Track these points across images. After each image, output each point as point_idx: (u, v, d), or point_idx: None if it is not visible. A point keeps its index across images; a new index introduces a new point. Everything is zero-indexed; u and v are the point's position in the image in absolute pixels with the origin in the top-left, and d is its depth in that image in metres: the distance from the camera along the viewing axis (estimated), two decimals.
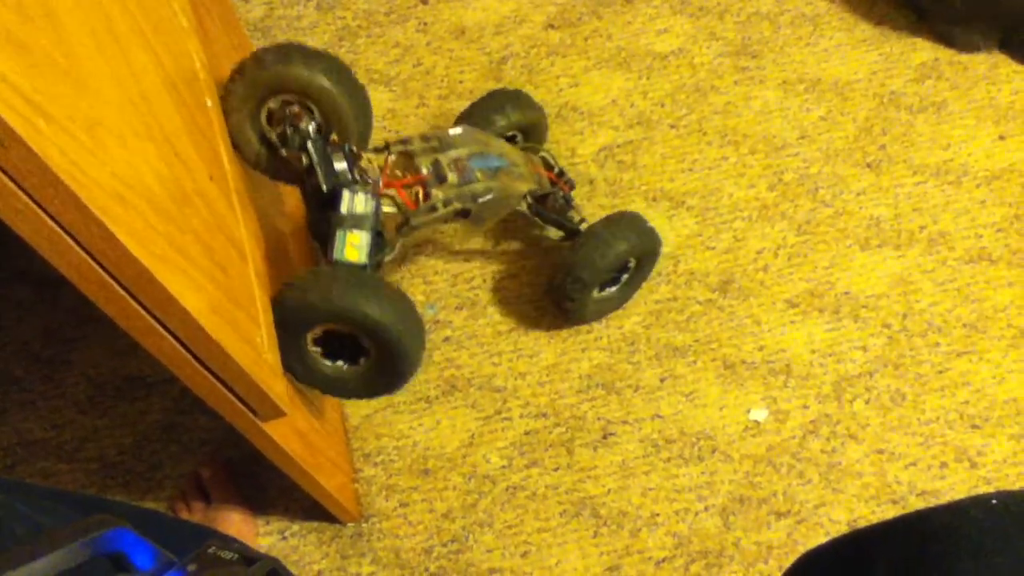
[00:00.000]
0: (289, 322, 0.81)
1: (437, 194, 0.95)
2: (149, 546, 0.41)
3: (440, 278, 1.19)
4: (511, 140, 1.16)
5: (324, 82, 0.88)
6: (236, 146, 0.89)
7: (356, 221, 0.86)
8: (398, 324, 0.81)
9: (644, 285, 1.17)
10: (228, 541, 0.46)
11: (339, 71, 0.90)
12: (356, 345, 0.84)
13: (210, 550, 0.44)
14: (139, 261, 0.54)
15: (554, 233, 1.14)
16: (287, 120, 0.89)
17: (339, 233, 0.85)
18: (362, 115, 0.93)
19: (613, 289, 1.12)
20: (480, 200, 0.98)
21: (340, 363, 0.86)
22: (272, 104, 0.89)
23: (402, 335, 0.82)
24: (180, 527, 0.95)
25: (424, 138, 0.99)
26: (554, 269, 1.08)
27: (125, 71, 0.62)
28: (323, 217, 0.87)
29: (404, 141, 0.98)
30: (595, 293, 1.10)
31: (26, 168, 0.45)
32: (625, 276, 1.12)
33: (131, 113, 0.60)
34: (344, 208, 0.86)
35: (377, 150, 0.96)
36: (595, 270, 1.05)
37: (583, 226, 1.09)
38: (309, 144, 0.88)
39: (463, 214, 0.98)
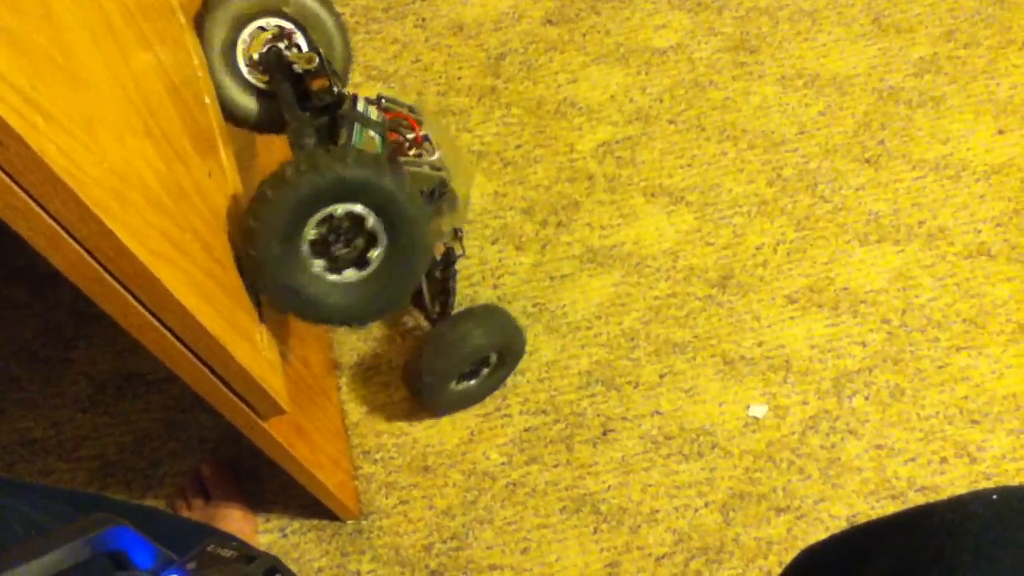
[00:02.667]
0: (292, 209, 0.70)
1: (425, 156, 0.92)
2: (149, 544, 0.41)
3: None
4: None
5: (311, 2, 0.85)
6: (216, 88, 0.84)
7: (370, 124, 0.82)
8: (413, 207, 0.75)
9: (643, 282, 1.17)
10: (227, 539, 0.46)
11: None
12: (359, 242, 0.76)
13: (209, 548, 0.44)
14: (137, 258, 0.54)
15: (417, 315, 1.12)
16: (276, 40, 0.85)
17: (356, 126, 0.80)
18: (345, 45, 0.89)
19: (472, 382, 1.08)
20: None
21: (349, 272, 0.77)
22: (247, 32, 0.84)
23: (417, 218, 0.75)
24: (180, 525, 0.95)
25: (411, 108, 0.96)
26: (412, 354, 1.02)
27: (123, 69, 0.61)
28: (330, 117, 0.81)
29: (394, 100, 0.94)
30: (453, 384, 1.05)
31: (24, 166, 0.45)
32: (486, 370, 1.08)
33: (129, 110, 0.60)
34: (360, 107, 0.82)
35: (369, 100, 0.89)
36: (452, 363, 1.00)
37: (453, 311, 1.06)
38: (320, 53, 0.82)
39: (441, 188, 0.92)
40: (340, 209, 0.73)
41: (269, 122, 0.88)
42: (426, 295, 1.06)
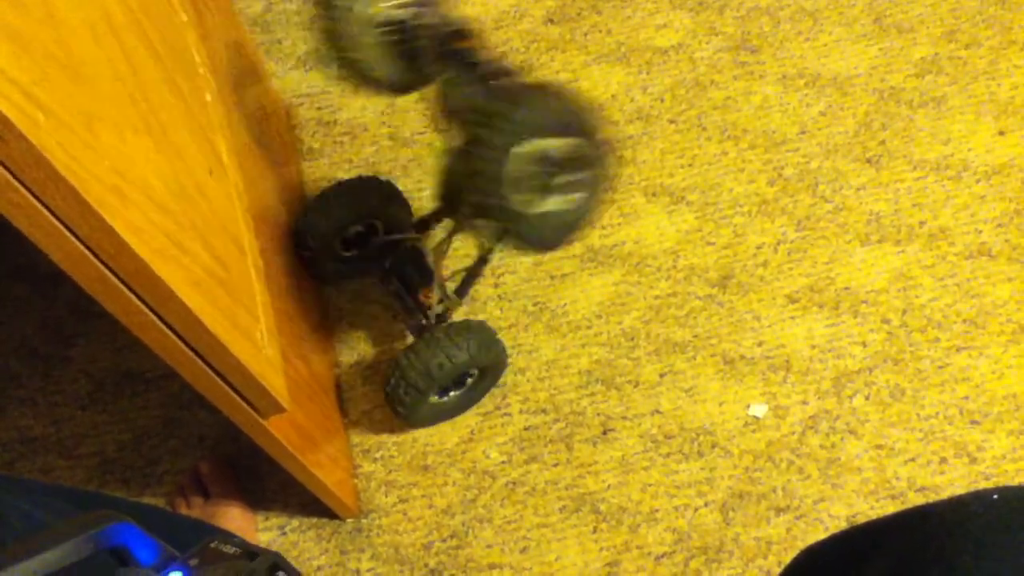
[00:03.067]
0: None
1: None
2: (152, 541, 0.41)
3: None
4: (370, 230, 1.11)
5: None
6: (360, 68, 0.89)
7: None
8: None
9: (643, 281, 1.17)
10: (229, 536, 0.46)
11: None
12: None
13: (212, 544, 0.44)
14: (138, 255, 0.54)
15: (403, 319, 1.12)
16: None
17: None
18: None
19: (453, 394, 1.07)
20: None
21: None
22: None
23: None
24: (179, 523, 0.95)
25: None
26: (391, 368, 1.01)
27: (124, 66, 0.61)
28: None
29: None
30: (433, 398, 1.05)
31: (24, 162, 0.45)
32: (469, 380, 1.07)
33: (130, 107, 0.60)
34: None
35: None
36: (431, 378, 0.98)
37: (435, 325, 1.05)
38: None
39: None
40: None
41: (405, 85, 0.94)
42: (435, 290, 1.07)
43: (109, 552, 0.40)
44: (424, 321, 1.06)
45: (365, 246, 1.11)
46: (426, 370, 0.98)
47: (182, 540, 0.45)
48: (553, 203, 0.85)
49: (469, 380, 1.07)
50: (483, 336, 1.02)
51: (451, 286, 1.12)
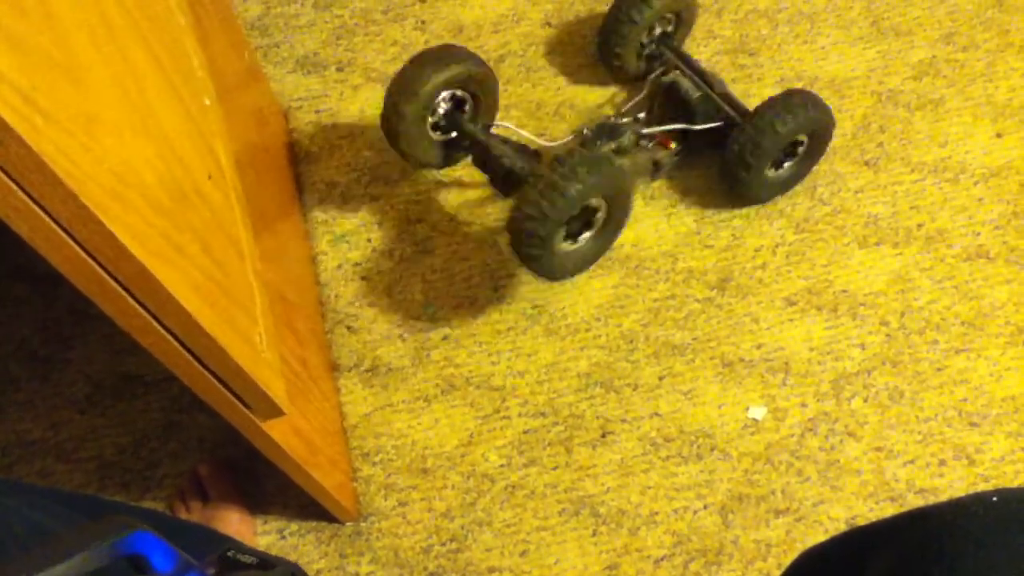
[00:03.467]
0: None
1: None
2: (169, 548, 0.41)
3: (438, 276, 1.19)
4: (458, 104, 1.13)
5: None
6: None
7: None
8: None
9: (642, 284, 1.17)
10: (244, 546, 0.46)
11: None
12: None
13: (229, 553, 0.44)
14: (136, 258, 0.53)
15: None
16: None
17: None
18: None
19: (584, 237, 1.05)
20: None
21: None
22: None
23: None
24: (178, 526, 0.95)
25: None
26: (514, 205, 0.98)
27: (122, 68, 0.61)
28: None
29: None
30: (562, 243, 1.03)
31: (23, 165, 0.45)
32: (598, 218, 1.05)
33: (128, 110, 0.60)
34: None
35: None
36: (564, 198, 0.95)
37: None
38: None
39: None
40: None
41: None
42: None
43: (127, 560, 0.40)
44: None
45: (458, 120, 1.13)
46: (539, 211, 0.94)
47: (182, 544, 0.45)
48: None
49: (598, 218, 1.04)
50: (595, 163, 0.98)
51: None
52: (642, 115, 1.21)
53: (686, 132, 1.18)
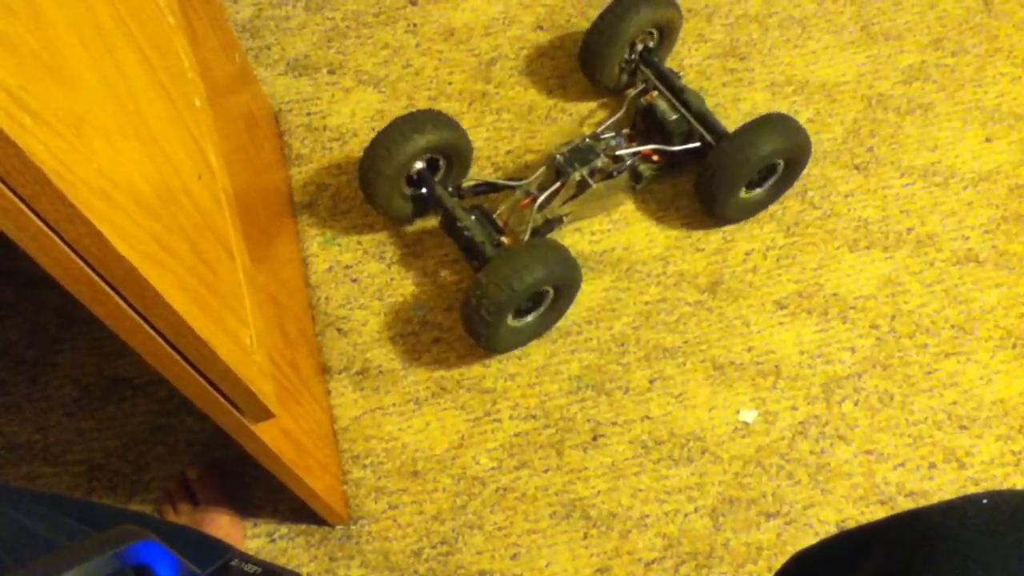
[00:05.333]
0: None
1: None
2: (173, 558, 0.41)
3: (429, 280, 1.19)
4: (432, 164, 1.16)
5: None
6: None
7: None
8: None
9: (633, 287, 1.17)
10: (246, 556, 0.46)
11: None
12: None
13: (232, 563, 0.44)
14: (126, 259, 0.53)
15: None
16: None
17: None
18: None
19: (531, 318, 1.10)
20: None
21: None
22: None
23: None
24: (167, 529, 0.94)
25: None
26: (470, 289, 1.04)
27: (112, 69, 0.61)
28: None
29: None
30: (511, 321, 1.08)
31: (11, 165, 0.45)
32: (545, 302, 1.09)
33: (118, 111, 0.60)
34: None
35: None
36: (512, 292, 1.01)
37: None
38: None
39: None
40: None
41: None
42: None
43: (132, 570, 0.40)
44: (498, 250, 1.09)
45: (430, 182, 1.15)
46: (507, 284, 1.01)
47: (171, 547, 0.45)
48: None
49: (545, 301, 1.09)
50: (559, 252, 1.06)
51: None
52: (626, 131, 1.21)
53: (669, 151, 1.19)
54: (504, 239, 1.12)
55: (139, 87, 0.66)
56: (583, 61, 1.26)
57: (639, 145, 1.19)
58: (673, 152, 1.19)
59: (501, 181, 1.19)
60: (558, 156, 1.15)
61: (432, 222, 1.22)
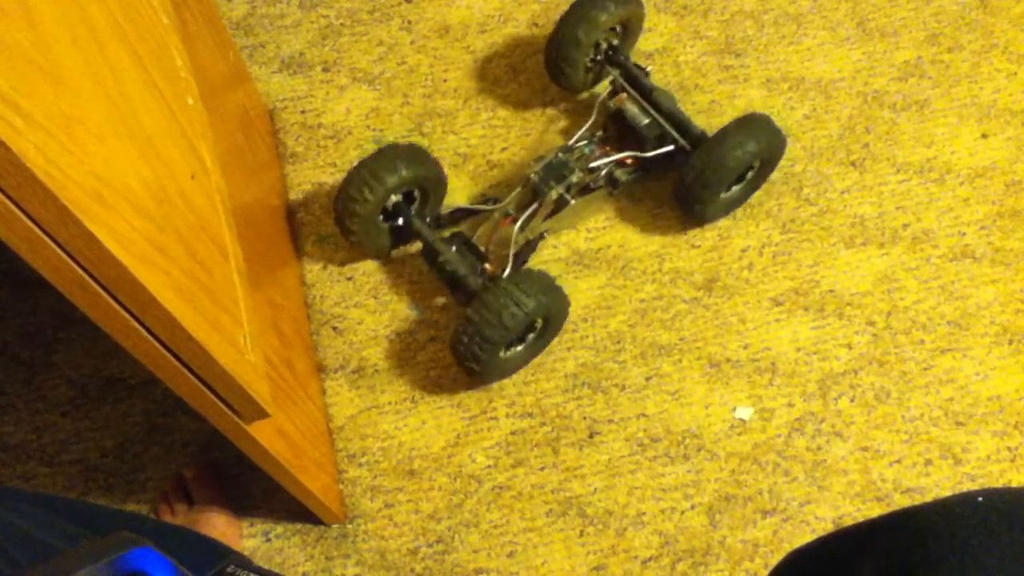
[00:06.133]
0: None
1: None
2: (171, 565, 0.41)
3: (424, 277, 1.19)
4: (407, 196, 1.14)
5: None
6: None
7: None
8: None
9: (629, 284, 1.17)
10: (246, 561, 0.46)
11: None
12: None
13: (229, 569, 0.44)
14: (119, 261, 0.53)
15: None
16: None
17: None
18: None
19: (518, 349, 1.09)
20: None
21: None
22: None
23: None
24: (163, 529, 0.94)
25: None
26: (460, 326, 1.04)
27: (104, 69, 0.61)
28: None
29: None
30: (501, 352, 1.07)
31: (2, 167, 0.45)
32: (532, 333, 1.09)
33: (110, 111, 0.60)
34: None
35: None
36: (504, 328, 1.01)
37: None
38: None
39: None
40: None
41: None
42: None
43: None
44: (482, 280, 1.09)
45: (407, 214, 1.14)
46: (499, 320, 1.00)
47: (167, 548, 0.45)
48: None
49: (532, 332, 1.09)
50: (546, 282, 1.05)
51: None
52: (599, 135, 1.20)
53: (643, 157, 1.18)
54: (488, 266, 1.11)
55: (132, 87, 0.65)
56: (549, 71, 1.24)
57: (613, 150, 1.18)
58: (647, 159, 1.17)
59: (477, 206, 1.18)
60: (532, 175, 1.13)
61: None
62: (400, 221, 1.14)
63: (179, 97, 0.79)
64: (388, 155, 1.10)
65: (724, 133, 1.10)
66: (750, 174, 1.16)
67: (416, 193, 1.14)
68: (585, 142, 1.19)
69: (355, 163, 1.11)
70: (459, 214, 1.18)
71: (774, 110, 1.28)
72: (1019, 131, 1.25)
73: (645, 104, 1.18)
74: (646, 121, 1.17)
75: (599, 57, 1.23)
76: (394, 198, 1.12)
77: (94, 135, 0.55)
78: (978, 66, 1.30)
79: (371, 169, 1.09)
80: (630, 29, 1.25)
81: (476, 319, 1.01)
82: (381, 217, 1.13)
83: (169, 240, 0.63)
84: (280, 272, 1.11)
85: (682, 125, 1.17)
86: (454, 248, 1.12)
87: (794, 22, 1.35)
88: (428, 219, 1.15)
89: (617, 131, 1.20)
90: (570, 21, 1.19)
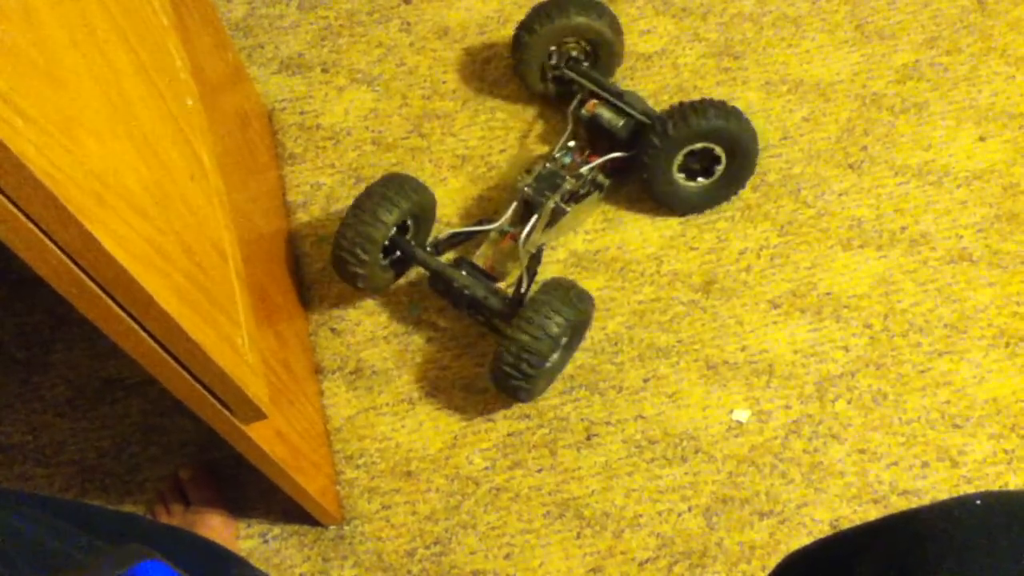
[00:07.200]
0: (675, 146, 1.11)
1: None
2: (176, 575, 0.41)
3: (423, 279, 1.19)
4: (402, 230, 1.12)
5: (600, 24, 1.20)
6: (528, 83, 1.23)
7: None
8: (752, 139, 1.14)
9: (627, 286, 1.17)
10: (251, 568, 0.45)
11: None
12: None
13: None
14: (117, 262, 0.53)
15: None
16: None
17: None
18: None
19: (554, 357, 1.07)
20: None
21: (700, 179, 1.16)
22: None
23: (753, 145, 1.15)
24: (160, 531, 0.94)
25: None
26: (503, 348, 1.02)
27: (104, 69, 0.61)
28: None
29: None
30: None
31: (1, 167, 0.45)
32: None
33: (110, 111, 0.60)
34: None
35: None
36: (551, 339, 1.00)
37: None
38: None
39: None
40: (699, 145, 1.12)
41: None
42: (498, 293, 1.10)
43: None
44: (505, 299, 1.08)
45: (406, 247, 1.12)
46: (544, 333, 1.00)
47: (164, 549, 0.45)
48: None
49: (564, 339, 1.07)
50: (574, 288, 1.04)
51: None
52: (573, 143, 1.20)
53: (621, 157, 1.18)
54: (500, 285, 1.11)
55: (131, 88, 0.65)
56: (515, 66, 1.26)
57: (593, 155, 1.18)
58: (627, 156, 1.17)
59: (474, 228, 1.16)
60: (526, 188, 1.12)
61: None
62: (397, 254, 1.13)
63: (178, 98, 0.79)
64: (384, 192, 1.08)
65: (674, 107, 1.12)
66: (719, 168, 1.15)
67: (409, 222, 1.13)
68: (563, 151, 1.18)
69: (345, 214, 1.09)
70: (457, 238, 1.16)
71: (772, 112, 1.28)
72: (1017, 134, 1.25)
73: (620, 104, 1.18)
74: (621, 122, 1.17)
75: (560, 65, 1.23)
76: (391, 231, 1.09)
77: (93, 136, 0.55)
78: (976, 69, 1.30)
79: (369, 208, 1.07)
80: (600, 54, 1.24)
81: (523, 338, 1.00)
82: (381, 255, 1.11)
83: (168, 241, 0.63)
84: (278, 273, 1.10)
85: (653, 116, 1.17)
86: (464, 272, 1.10)
87: (793, 24, 1.35)
88: (428, 247, 1.13)
89: (592, 137, 1.20)
90: (522, 26, 1.21)
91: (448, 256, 1.16)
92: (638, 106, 1.18)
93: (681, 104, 1.12)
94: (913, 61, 1.31)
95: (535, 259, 1.14)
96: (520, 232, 1.11)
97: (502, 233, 1.14)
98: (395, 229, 1.10)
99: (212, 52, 1.06)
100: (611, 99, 1.18)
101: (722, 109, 1.11)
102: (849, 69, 1.31)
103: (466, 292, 1.08)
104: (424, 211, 1.13)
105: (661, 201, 1.18)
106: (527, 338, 1.00)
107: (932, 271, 1.17)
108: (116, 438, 1.11)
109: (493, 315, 1.08)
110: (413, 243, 1.13)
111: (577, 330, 1.08)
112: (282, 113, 1.31)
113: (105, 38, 0.63)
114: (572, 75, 1.22)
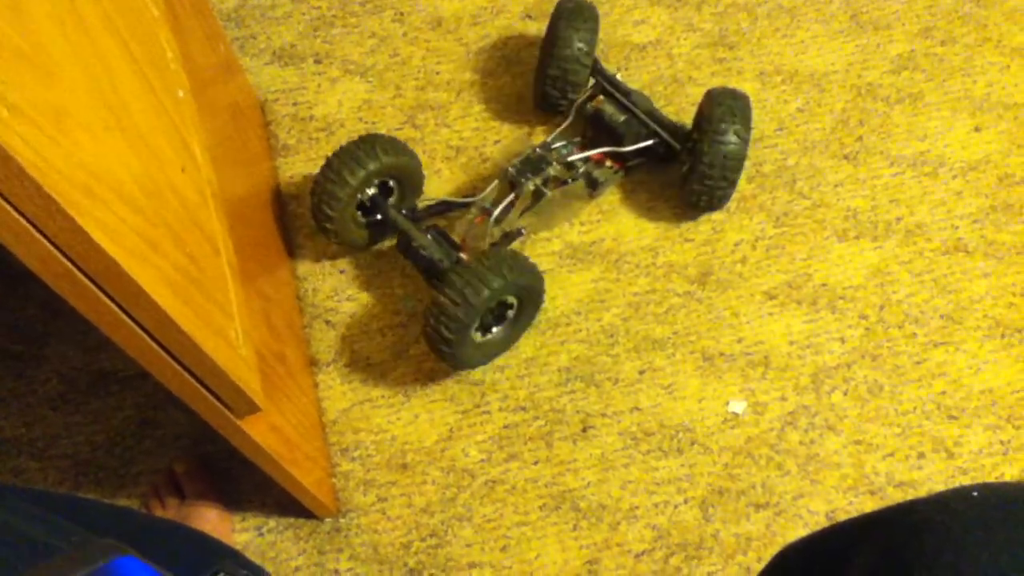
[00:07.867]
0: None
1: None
2: (154, 573, 0.40)
3: (417, 271, 1.18)
4: (384, 188, 1.14)
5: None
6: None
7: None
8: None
9: (622, 278, 1.17)
10: (241, 561, 0.45)
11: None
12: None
13: (219, 574, 0.43)
14: (108, 254, 0.52)
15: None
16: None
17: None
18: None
19: (496, 331, 1.09)
20: None
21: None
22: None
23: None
24: (155, 525, 0.93)
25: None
26: (428, 307, 1.02)
27: (94, 60, 0.60)
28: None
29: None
30: (476, 335, 1.06)
31: None
32: (510, 313, 1.08)
33: (100, 103, 0.59)
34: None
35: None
36: (470, 306, 0.99)
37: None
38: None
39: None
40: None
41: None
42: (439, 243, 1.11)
43: None
44: (456, 263, 1.08)
45: (383, 207, 1.13)
46: (463, 299, 0.99)
47: (158, 544, 0.45)
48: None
49: (510, 313, 1.08)
50: (516, 260, 1.03)
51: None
52: (577, 139, 1.21)
53: (621, 153, 1.18)
54: (463, 255, 1.10)
55: (122, 79, 0.65)
56: (538, 91, 1.25)
57: (583, 148, 1.18)
58: (625, 154, 1.18)
59: (455, 199, 1.18)
60: (510, 168, 1.13)
61: None
62: (378, 216, 1.14)
63: (169, 89, 0.78)
64: (368, 141, 1.11)
65: (714, 117, 1.10)
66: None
67: (393, 184, 1.14)
68: (563, 143, 1.19)
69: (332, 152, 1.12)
70: (437, 208, 1.18)
71: (767, 103, 1.27)
72: (1012, 124, 1.25)
73: (626, 103, 1.18)
74: (624, 118, 1.17)
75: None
76: (371, 191, 1.12)
77: (83, 127, 0.55)
78: (971, 59, 1.30)
79: (352, 154, 1.09)
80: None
81: (442, 299, 1.00)
82: (360, 212, 1.12)
83: (159, 233, 0.63)
84: (272, 265, 1.10)
85: (663, 122, 1.18)
86: (430, 236, 1.12)
87: (788, 15, 1.34)
88: (405, 211, 1.15)
89: (595, 133, 1.20)
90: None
91: (425, 224, 1.16)
92: (644, 105, 1.18)
93: (719, 114, 1.10)
94: (908, 51, 1.31)
95: (505, 239, 1.14)
96: (495, 210, 1.12)
97: (481, 210, 1.14)
98: (377, 189, 1.12)
99: (204, 43, 1.05)
100: (620, 98, 1.19)
101: (748, 102, 1.13)
102: (844, 59, 1.31)
103: (423, 253, 1.09)
104: (404, 174, 1.14)
105: (712, 204, 1.17)
106: (446, 302, 1.00)
107: (927, 262, 1.17)
108: (110, 432, 1.11)
109: (441, 279, 1.08)
110: (391, 205, 1.14)
111: (521, 305, 1.08)
112: (275, 104, 1.31)
113: (96, 29, 0.62)
114: (591, 75, 1.22)
